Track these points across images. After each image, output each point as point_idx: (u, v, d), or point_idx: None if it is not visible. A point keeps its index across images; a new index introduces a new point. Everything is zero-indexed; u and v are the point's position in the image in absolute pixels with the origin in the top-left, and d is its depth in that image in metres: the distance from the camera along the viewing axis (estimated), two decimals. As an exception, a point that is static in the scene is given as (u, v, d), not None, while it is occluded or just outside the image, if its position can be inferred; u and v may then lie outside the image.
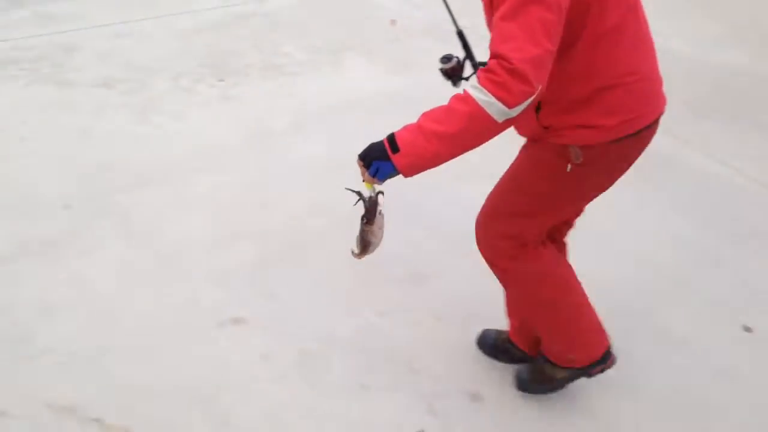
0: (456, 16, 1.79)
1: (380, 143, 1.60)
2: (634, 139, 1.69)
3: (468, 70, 1.75)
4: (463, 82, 1.71)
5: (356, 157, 1.65)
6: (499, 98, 1.43)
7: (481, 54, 1.60)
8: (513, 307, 2.15)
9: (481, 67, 1.51)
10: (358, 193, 1.70)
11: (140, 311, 2.39)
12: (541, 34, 1.43)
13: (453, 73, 1.76)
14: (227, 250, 2.68)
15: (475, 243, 1.93)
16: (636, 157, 1.79)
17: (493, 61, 1.45)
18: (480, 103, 1.45)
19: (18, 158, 3.23)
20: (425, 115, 1.56)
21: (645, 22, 1.68)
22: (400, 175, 1.61)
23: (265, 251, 2.68)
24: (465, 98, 1.48)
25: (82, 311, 2.36)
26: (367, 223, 1.76)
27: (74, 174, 3.08)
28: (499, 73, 1.43)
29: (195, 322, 2.35)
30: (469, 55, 1.75)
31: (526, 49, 1.42)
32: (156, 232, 2.76)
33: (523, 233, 1.85)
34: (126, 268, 2.58)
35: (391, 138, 1.58)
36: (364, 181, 1.68)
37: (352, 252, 1.84)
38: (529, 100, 1.45)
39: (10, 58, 4.15)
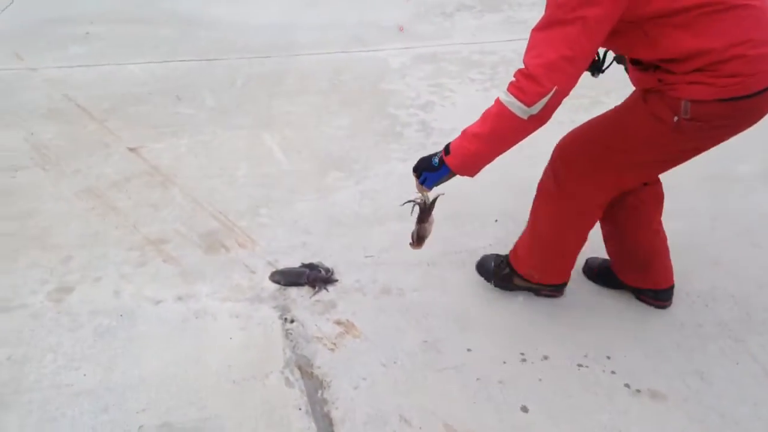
0: None
1: (429, 156, 1.95)
2: (747, 101, 1.71)
3: None
4: None
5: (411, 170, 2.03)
6: (517, 98, 1.69)
7: None
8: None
9: None
10: (414, 201, 2.10)
11: (547, 348, 2.25)
12: (560, 42, 1.64)
13: None
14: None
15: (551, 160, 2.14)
16: (750, 124, 1.82)
17: (518, 69, 1.72)
18: (504, 103, 1.73)
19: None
20: (473, 122, 1.84)
21: None
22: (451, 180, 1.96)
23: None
24: (496, 102, 1.77)
25: (495, 333, 2.31)
26: (420, 222, 2.13)
27: (509, 190, 3.03)
28: (518, 77, 1.71)
29: (601, 383, 2.12)
30: None
31: (542, 55, 1.66)
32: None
33: (603, 185, 2.05)
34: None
35: (447, 144, 1.90)
36: (417, 189, 2.06)
37: (410, 244, 2.20)
38: (547, 98, 1.67)
39: (473, 61, 4.38)
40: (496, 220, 2.87)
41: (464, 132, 1.85)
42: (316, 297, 2.48)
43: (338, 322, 2.36)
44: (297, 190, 3.11)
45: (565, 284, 2.39)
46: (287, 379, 2.13)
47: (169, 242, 2.76)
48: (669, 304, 2.37)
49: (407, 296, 2.48)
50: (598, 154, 2.00)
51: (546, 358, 2.21)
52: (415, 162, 2.00)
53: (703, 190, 2.90)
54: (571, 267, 2.34)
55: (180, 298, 2.47)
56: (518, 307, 2.41)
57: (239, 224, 2.86)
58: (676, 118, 1.77)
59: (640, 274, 2.33)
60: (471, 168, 1.88)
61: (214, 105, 3.90)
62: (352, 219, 2.91)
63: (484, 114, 1.81)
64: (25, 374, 2.16)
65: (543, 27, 1.68)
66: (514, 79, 1.72)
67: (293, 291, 2.51)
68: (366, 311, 2.42)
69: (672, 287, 2.35)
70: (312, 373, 2.16)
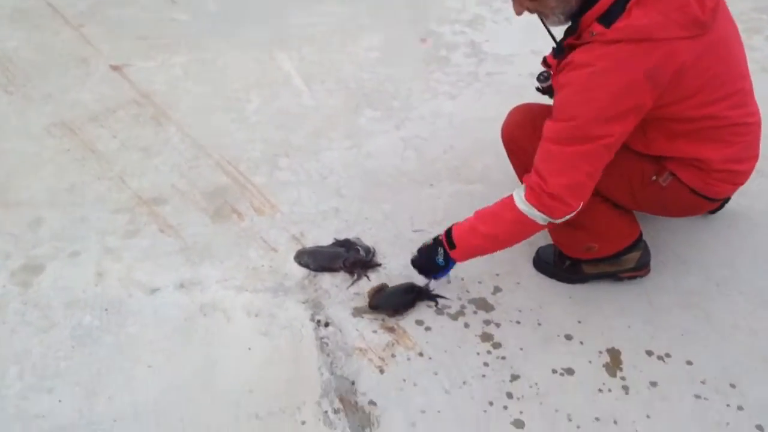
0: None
1: (428, 254, 1.87)
2: (708, 202, 1.83)
3: None
4: None
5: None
6: (543, 212, 1.64)
7: None
8: None
9: None
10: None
11: (653, 372, 1.75)
12: (582, 161, 1.59)
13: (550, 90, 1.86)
14: None
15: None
16: (686, 215, 2.03)
17: (535, 178, 1.64)
18: (524, 213, 1.66)
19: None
20: (478, 214, 1.79)
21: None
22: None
23: None
24: (511, 208, 1.69)
25: (584, 346, 1.81)
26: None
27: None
28: (540, 194, 1.62)
29: (725, 421, 1.64)
30: None
31: (565, 174, 1.60)
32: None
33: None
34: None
35: (448, 232, 1.83)
36: None
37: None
38: (574, 213, 1.64)
39: None
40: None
41: (471, 227, 1.78)
42: (355, 288, 1.96)
43: (386, 328, 1.85)
44: (323, 133, 2.51)
45: (637, 247, 1.94)
46: (325, 414, 1.64)
47: (165, 203, 2.20)
48: None
49: (471, 290, 1.96)
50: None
51: (653, 384, 1.73)
52: (414, 259, 1.93)
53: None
54: (628, 220, 1.93)
55: (182, 286, 1.94)
56: (612, 312, 1.91)
57: (254, 180, 2.29)
58: (654, 178, 1.78)
59: None
60: (468, 257, 1.84)
61: (217, 10, 3.22)
62: (393, 177, 2.33)
63: (494, 214, 1.75)
64: (-19, 399, 1.66)
65: (562, 141, 1.59)
66: (533, 191, 1.63)
67: (326, 278, 1.99)
68: (419, 311, 1.90)
69: None
70: (356, 403, 1.67)
